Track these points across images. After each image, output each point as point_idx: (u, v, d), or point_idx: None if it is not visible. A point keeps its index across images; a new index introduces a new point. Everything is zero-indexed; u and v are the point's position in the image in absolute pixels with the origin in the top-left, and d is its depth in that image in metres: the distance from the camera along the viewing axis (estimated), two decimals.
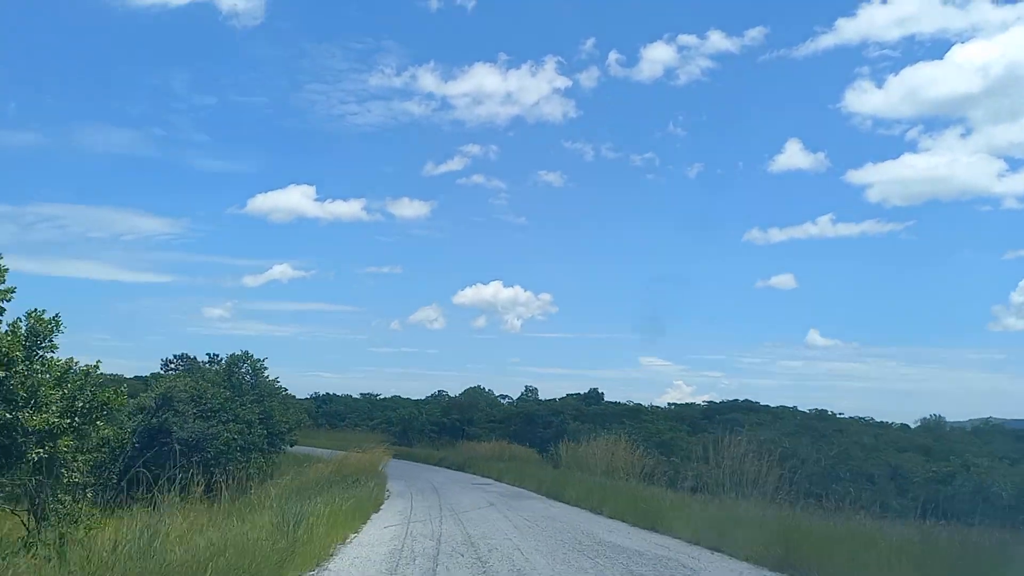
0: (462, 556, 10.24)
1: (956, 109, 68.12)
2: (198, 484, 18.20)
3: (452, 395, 60.98)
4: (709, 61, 63.64)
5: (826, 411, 47.02)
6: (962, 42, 65.50)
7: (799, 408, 48.26)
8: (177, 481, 16.30)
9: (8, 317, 8.26)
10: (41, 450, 8.26)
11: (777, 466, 14.54)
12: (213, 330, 63.48)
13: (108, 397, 9.52)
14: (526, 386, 62.84)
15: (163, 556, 6.40)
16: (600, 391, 61.80)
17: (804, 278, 64.01)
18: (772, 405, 50.84)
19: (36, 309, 8.67)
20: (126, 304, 60.89)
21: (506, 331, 68.00)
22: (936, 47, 70.46)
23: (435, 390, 63.30)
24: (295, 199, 63.03)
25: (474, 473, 33.05)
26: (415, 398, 63.62)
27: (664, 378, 79.27)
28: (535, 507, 17.98)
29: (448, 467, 37.84)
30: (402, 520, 15.12)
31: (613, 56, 64.94)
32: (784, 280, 66.59)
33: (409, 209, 64.65)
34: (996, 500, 17.08)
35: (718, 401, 62.23)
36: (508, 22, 68.80)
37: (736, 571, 9.71)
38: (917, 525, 10.71)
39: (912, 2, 64.83)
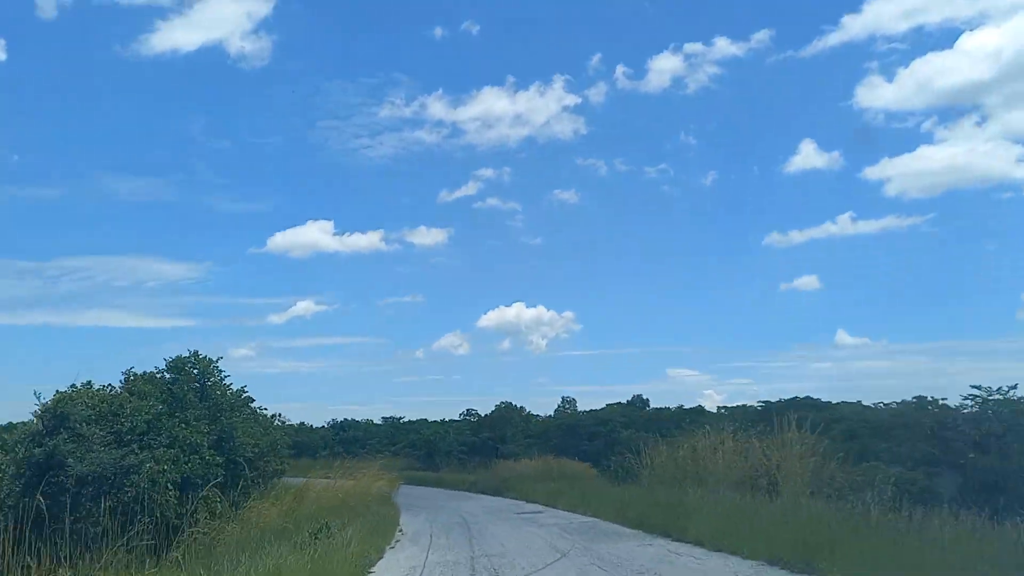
0: None
1: (970, 97, 62.65)
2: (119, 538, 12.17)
3: (482, 414, 54.57)
4: (716, 67, 60.49)
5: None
6: (971, 30, 62.31)
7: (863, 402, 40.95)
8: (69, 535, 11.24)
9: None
10: None
11: None
12: (240, 370, 59.78)
13: None
14: (563, 397, 56.39)
15: None
16: (645, 397, 55.18)
17: (828, 278, 61.05)
18: (834, 401, 43.60)
19: None
20: (152, 350, 64.71)
21: (531, 352, 65.79)
22: (945, 36, 66.06)
23: (464, 408, 56.94)
24: (313, 235, 62.33)
25: (516, 497, 26.64)
26: (441, 419, 57.26)
27: (694, 388, 78.05)
28: (647, 555, 11.27)
29: (482, 492, 31.42)
30: None
31: (620, 70, 61.75)
32: (808, 282, 63.08)
33: (427, 237, 63.36)
34: None
35: (774, 400, 54.38)
36: (514, 44, 67.37)
37: None
38: None
39: None
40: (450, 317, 74.76)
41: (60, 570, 11.41)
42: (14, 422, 15.09)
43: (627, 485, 21.76)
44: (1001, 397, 14.11)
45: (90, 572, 11.34)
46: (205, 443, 14.52)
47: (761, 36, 62.56)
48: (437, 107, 62.43)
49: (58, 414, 12.58)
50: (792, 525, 9.62)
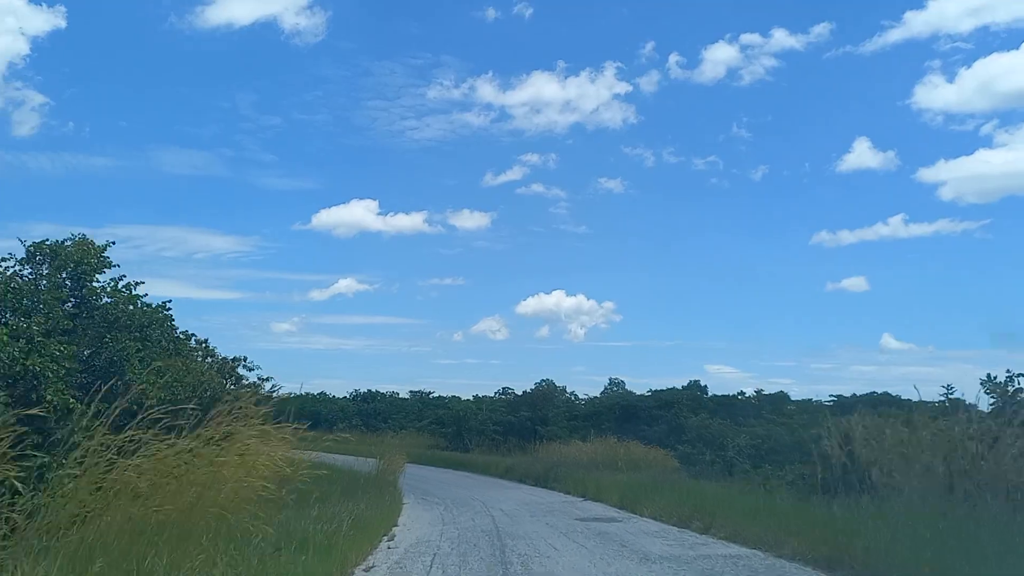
0: None
1: None
2: None
3: (519, 392, 48.05)
4: (773, 60, 58.61)
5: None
6: None
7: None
8: None
9: None
10: None
11: None
12: (282, 344, 64.24)
13: None
14: (610, 379, 49.78)
15: None
16: (703, 383, 47.96)
17: (876, 280, 59.62)
18: (913, 399, 36.06)
19: None
20: (199, 321, 65.63)
21: (569, 340, 64.49)
22: (1012, 37, 63.25)
23: (499, 387, 50.37)
24: (358, 214, 62.18)
25: (566, 491, 20.18)
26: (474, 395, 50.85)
27: (732, 386, 69.87)
28: None
29: (520, 480, 24.91)
30: None
31: (674, 58, 59.90)
32: (855, 283, 61.74)
33: (470, 220, 62.43)
34: None
35: (848, 395, 46.45)
36: (566, 29, 65.29)
37: None
38: None
39: None
40: (490, 301, 74.96)
41: None
42: None
43: (730, 482, 14.99)
44: None
45: None
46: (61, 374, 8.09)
47: (820, 29, 59.29)
48: (486, 90, 60.88)
49: None
50: None
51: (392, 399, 59.51)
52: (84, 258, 9.89)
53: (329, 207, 68.36)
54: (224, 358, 15.73)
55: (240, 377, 15.63)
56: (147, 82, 59.65)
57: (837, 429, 11.45)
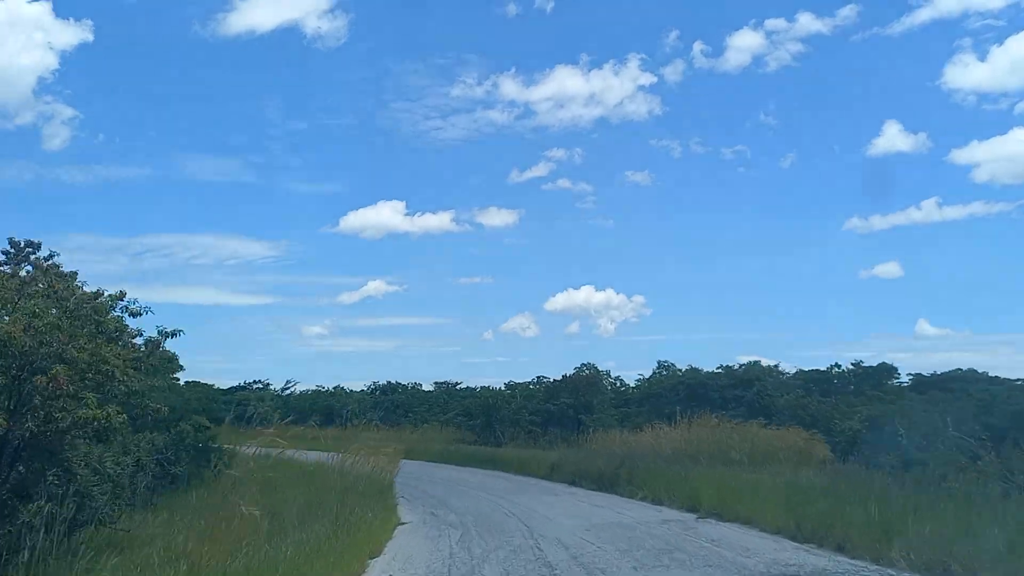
0: None
1: None
2: None
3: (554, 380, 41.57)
4: (799, 45, 57.25)
5: None
6: None
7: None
8: None
9: None
10: None
11: None
12: (314, 347, 65.68)
13: None
14: (659, 361, 43.41)
15: None
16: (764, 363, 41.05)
17: (910, 265, 56.63)
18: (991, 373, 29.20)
19: None
20: (232, 326, 63.81)
21: (599, 335, 62.88)
22: None
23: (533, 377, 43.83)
24: (385, 215, 62.07)
25: (659, 500, 14.13)
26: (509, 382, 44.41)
27: None
28: None
29: (573, 481, 18.47)
30: None
31: (698, 47, 59.08)
32: (889, 269, 59.31)
33: (497, 218, 61.77)
34: None
35: (927, 374, 39.28)
36: (589, 21, 65.99)
37: None
38: None
39: None
40: (519, 299, 75.95)
41: None
42: None
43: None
44: None
45: None
46: None
47: (847, 12, 57.91)
48: (509, 87, 60.22)
49: None
50: None
51: (415, 391, 53.37)
52: None
53: (356, 209, 67.38)
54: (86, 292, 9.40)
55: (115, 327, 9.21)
56: (174, 92, 60.44)
57: None
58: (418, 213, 63.97)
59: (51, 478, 7.72)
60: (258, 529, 8.98)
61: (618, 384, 46.33)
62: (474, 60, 64.51)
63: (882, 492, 8.93)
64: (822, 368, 32.55)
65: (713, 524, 11.18)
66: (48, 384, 7.26)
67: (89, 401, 7.48)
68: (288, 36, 59.27)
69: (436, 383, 56.02)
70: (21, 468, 7.87)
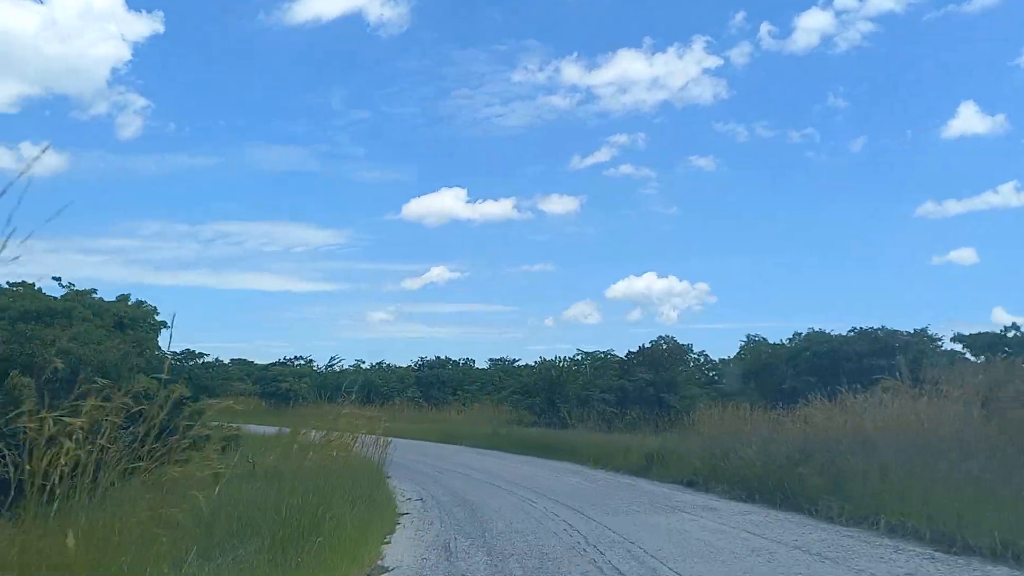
0: None
1: None
2: None
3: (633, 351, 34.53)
4: (870, 24, 55.15)
5: None
6: None
7: None
8: None
9: None
10: None
11: None
12: (378, 333, 67.04)
13: None
14: (748, 335, 36.35)
15: None
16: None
17: (987, 252, 54.10)
18: None
19: None
20: (298, 313, 67.09)
21: (662, 323, 68.53)
22: None
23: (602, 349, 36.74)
24: (447, 202, 62.26)
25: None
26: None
27: None
28: None
29: (692, 485, 11.64)
30: None
31: (765, 28, 56.78)
32: (964, 255, 57.27)
33: (558, 205, 61.69)
34: None
35: None
36: (652, 4, 65.04)
37: None
38: None
39: None
40: (580, 286, 76.55)
41: None
42: None
43: None
44: None
45: None
46: None
47: None
48: (571, 71, 60.11)
49: None
50: None
51: (466, 368, 46.98)
52: None
53: (419, 196, 68.11)
54: None
55: None
56: (241, 81, 62.25)
57: None
58: (479, 200, 63.20)
59: None
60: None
61: (702, 360, 39.22)
62: (535, 46, 63.12)
63: None
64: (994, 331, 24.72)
65: None
66: None
67: None
68: (351, 24, 59.90)
69: (491, 360, 49.70)
70: None
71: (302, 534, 7.22)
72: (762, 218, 64.15)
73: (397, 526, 9.26)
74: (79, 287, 18.83)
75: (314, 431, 12.05)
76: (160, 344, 17.51)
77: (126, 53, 57.31)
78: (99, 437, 5.45)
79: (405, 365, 46.41)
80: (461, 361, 46.27)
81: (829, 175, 60.26)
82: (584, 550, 7.53)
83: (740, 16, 58.55)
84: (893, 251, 60.29)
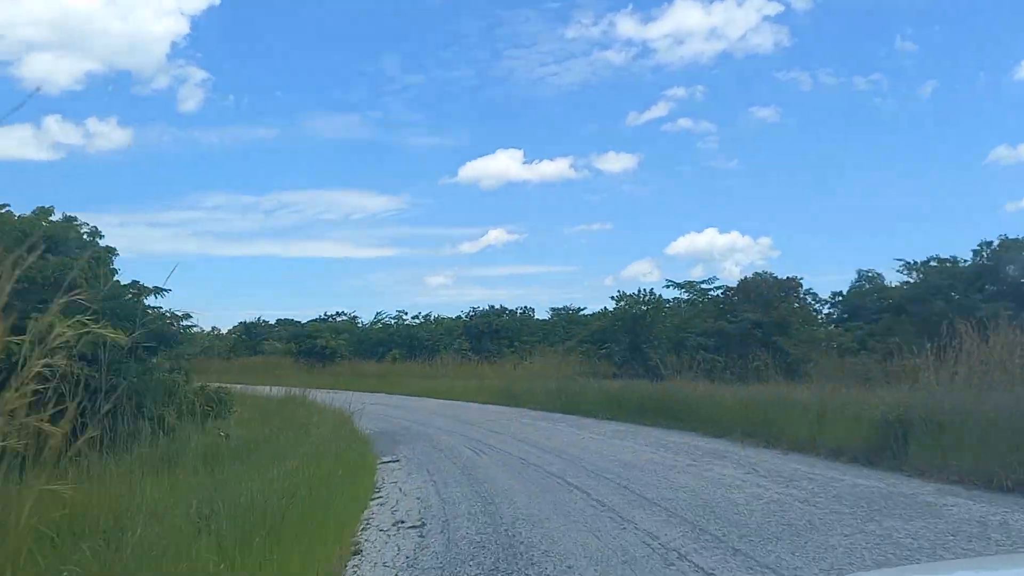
0: None
1: None
2: None
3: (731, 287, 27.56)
4: None
5: None
6: None
7: None
8: None
9: None
10: None
11: None
12: (437, 298, 70.98)
13: None
14: (858, 271, 29.42)
15: None
16: None
17: None
18: None
19: None
20: (358, 279, 66.52)
21: (725, 279, 47.26)
22: None
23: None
24: (503, 164, 60.12)
25: None
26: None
27: None
28: None
29: (924, 476, 5.08)
30: None
31: None
32: None
33: (616, 163, 58.42)
34: None
35: None
36: None
37: None
38: None
39: None
40: (639, 244, 77.17)
41: None
42: None
43: None
44: None
45: None
46: None
47: None
48: (626, 25, 57.76)
49: None
50: None
51: (524, 318, 40.57)
52: None
53: (475, 159, 67.15)
54: None
55: None
56: (297, 51, 61.80)
57: None
58: (535, 160, 61.72)
59: None
60: None
61: (807, 298, 32.04)
62: (588, 2, 61.84)
63: None
64: None
65: None
66: None
67: None
68: None
69: (553, 309, 43.24)
70: None
71: None
72: (826, 169, 61.37)
73: None
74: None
75: None
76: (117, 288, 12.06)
77: (184, 27, 58.26)
78: None
79: (453, 316, 40.33)
80: (519, 310, 39.95)
81: (897, 122, 56.65)
82: None
83: None
84: (965, 198, 56.79)
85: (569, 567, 4.95)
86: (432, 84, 63.37)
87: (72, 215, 12.64)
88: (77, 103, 56.90)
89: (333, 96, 64.99)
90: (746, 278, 27.43)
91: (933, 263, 23.30)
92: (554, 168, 60.92)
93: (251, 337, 49.91)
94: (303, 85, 63.77)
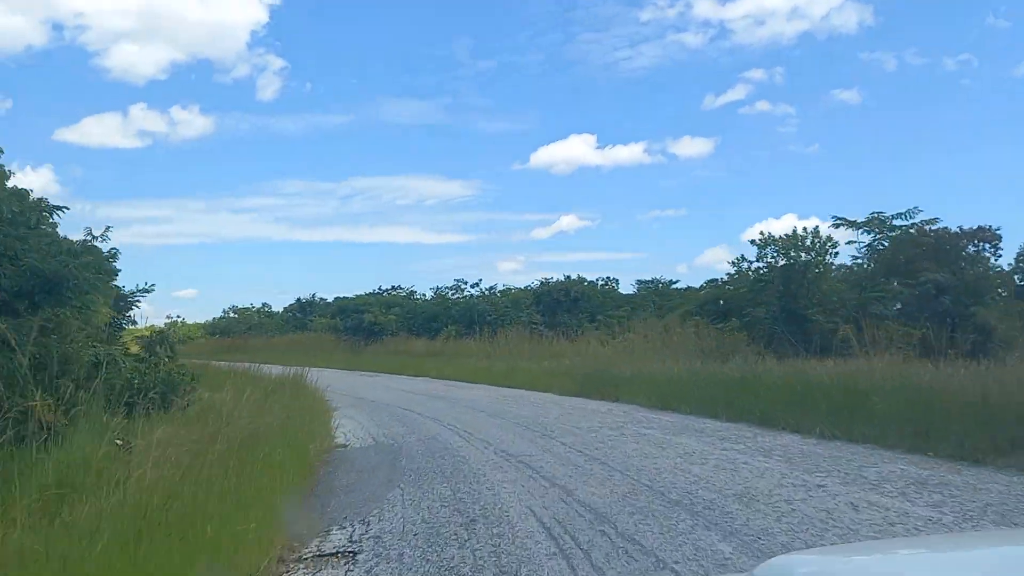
0: None
1: None
2: None
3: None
4: None
5: None
6: None
7: None
8: None
9: None
10: None
11: None
12: (508, 283, 51.67)
13: None
14: None
15: None
16: None
17: None
18: None
19: None
20: (432, 263, 68.73)
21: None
22: None
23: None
24: (576, 149, 56.83)
25: None
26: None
27: None
28: None
29: None
30: None
31: None
32: None
33: (691, 147, 54.98)
34: None
35: None
36: None
37: None
38: None
39: None
40: (714, 230, 70.10)
41: None
42: None
43: None
44: None
45: None
46: None
47: None
48: (703, 6, 55.47)
49: None
50: None
51: (607, 290, 33.61)
52: None
53: (547, 144, 65.62)
54: None
55: None
56: (371, 37, 60.90)
57: None
58: (609, 145, 59.34)
59: None
60: None
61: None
62: None
63: None
64: None
65: None
66: None
67: None
68: None
69: (639, 282, 36.17)
70: None
71: None
72: (912, 153, 56.85)
73: None
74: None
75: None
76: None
77: (263, 16, 59.78)
78: None
79: (521, 287, 33.63)
80: (600, 281, 32.96)
81: (988, 104, 52.51)
82: None
83: None
84: None
85: None
86: (504, 68, 61.96)
87: None
88: (161, 92, 58.37)
89: (405, 81, 64.82)
90: (918, 226, 20.01)
91: None
92: (628, 153, 59.23)
93: (304, 314, 44.95)
94: (376, 71, 64.05)
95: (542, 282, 31.82)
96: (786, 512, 4.86)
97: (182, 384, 8.73)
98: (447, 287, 34.94)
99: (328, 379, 12.81)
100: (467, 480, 6.13)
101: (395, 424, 9.99)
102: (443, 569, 3.94)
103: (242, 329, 49.38)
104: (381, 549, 4.33)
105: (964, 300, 17.02)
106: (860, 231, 17.15)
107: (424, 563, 4.05)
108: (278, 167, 68.84)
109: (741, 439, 7.89)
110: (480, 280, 33.24)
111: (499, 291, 33.96)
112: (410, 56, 64.75)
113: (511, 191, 65.73)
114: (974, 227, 19.83)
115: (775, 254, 16.00)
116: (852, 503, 5.06)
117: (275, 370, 12.79)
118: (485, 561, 4.04)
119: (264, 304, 54.44)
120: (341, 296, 42.44)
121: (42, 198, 8.54)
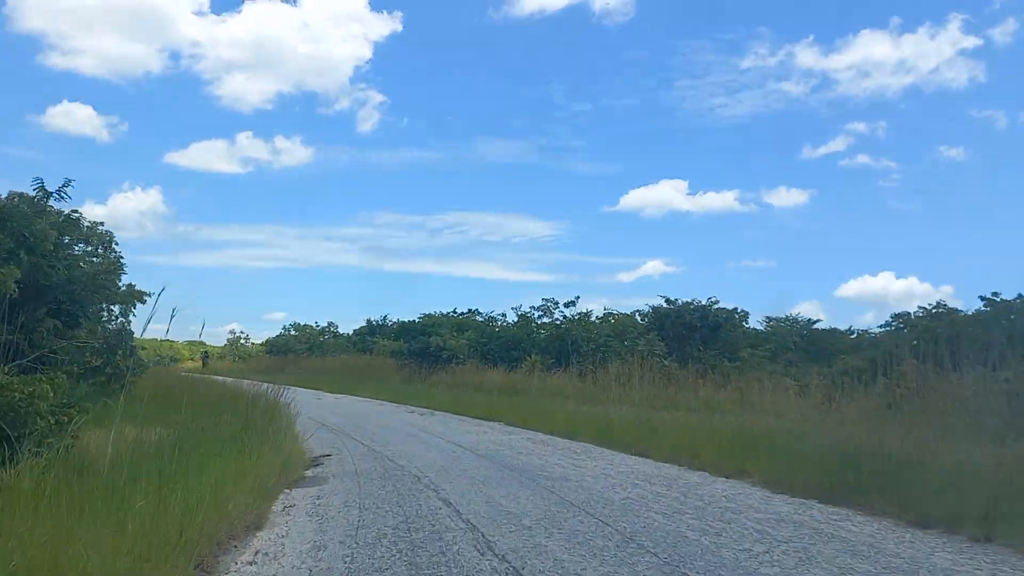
0: None
1: None
2: None
3: None
4: None
5: None
6: None
7: None
8: None
9: None
10: None
11: None
12: (609, 307, 33.94)
13: None
14: None
15: None
16: None
17: None
18: None
19: None
20: (512, 301, 45.67)
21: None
22: None
23: None
24: (666, 194, 59.28)
25: None
26: None
27: None
28: None
29: None
30: None
31: None
32: None
33: (786, 198, 57.52)
34: None
35: None
36: None
37: None
38: None
39: None
40: (805, 283, 69.94)
41: None
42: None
43: None
44: None
45: None
46: None
47: None
48: (806, 56, 57.01)
49: None
50: None
51: (732, 320, 26.27)
52: None
53: (637, 188, 68.57)
54: None
55: None
56: (469, 76, 66.29)
57: None
58: (700, 192, 63.17)
59: None
60: None
61: None
62: (766, 33, 60.61)
63: None
64: None
65: None
66: None
67: None
68: (576, 14, 61.35)
69: (767, 318, 28.67)
70: None
71: None
72: (1019, 214, 53.87)
73: None
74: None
75: None
76: None
77: (367, 52, 61.63)
78: None
79: (628, 312, 26.59)
80: (737, 310, 25.66)
81: None
82: None
83: None
84: None
85: None
86: (599, 111, 64.36)
87: None
88: (267, 121, 61.43)
89: (501, 121, 67.56)
90: None
91: None
92: (719, 200, 59.39)
93: (371, 336, 39.68)
94: (472, 110, 67.60)
95: (667, 300, 24.75)
96: None
97: None
98: (535, 307, 28.26)
99: (359, 415, 7.00)
100: None
101: None
102: None
103: (302, 348, 44.39)
104: None
105: None
106: None
107: None
108: (371, 198, 70.44)
109: None
110: (578, 297, 26.43)
111: (598, 317, 27.11)
112: (506, 96, 68.36)
113: (599, 233, 67.07)
114: None
115: None
116: None
117: (300, 395, 9.87)
118: None
119: (330, 323, 49.25)
120: (410, 319, 36.47)
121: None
